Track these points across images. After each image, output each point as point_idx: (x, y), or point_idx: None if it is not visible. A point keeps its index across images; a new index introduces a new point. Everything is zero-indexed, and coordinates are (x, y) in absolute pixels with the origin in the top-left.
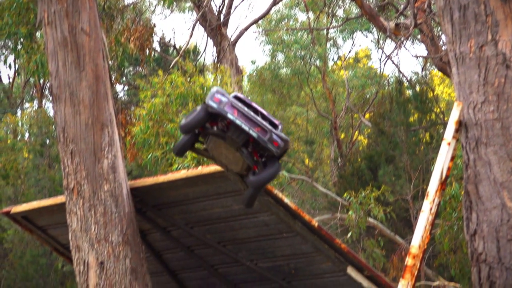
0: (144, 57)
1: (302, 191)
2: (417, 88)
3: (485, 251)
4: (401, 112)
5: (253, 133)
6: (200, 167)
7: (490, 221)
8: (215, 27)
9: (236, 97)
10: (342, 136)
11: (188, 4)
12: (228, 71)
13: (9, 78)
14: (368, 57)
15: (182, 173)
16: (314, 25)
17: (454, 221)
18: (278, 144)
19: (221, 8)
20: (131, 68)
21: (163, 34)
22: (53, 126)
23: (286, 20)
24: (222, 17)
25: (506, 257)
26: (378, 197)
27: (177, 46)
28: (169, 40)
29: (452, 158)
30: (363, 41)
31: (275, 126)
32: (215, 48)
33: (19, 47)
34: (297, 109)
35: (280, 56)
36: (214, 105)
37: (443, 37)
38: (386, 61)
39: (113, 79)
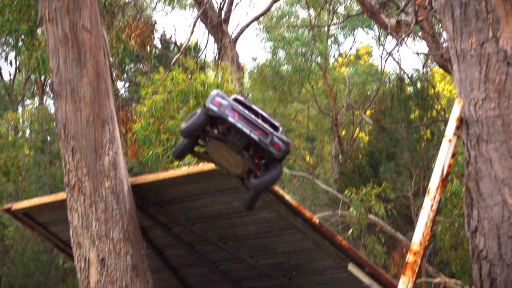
0: (145, 54)
1: (303, 188)
2: (418, 85)
3: (486, 248)
4: (402, 109)
5: (254, 136)
6: (201, 164)
7: (491, 218)
8: (216, 24)
9: (236, 100)
10: (343, 133)
11: (189, 1)
12: (229, 68)
13: (10, 75)
14: (369, 54)
15: (183, 170)
16: (315, 22)
17: (455, 218)
18: (279, 147)
19: (222, 5)
20: (132, 65)
21: (164, 31)
22: (54, 123)
23: (287, 17)
24: (223, 14)
25: (507, 254)
26: (379, 194)
27: (178, 43)
28: (170, 37)
29: (453, 155)
30: (364, 38)
31: (275, 128)
32: (216, 45)
33: (20, 44)
34: (298, 106)
35: (281, 53)
36: (215, 108)
37: (444, 34)
38: (387, 58)
39: (114, 76)
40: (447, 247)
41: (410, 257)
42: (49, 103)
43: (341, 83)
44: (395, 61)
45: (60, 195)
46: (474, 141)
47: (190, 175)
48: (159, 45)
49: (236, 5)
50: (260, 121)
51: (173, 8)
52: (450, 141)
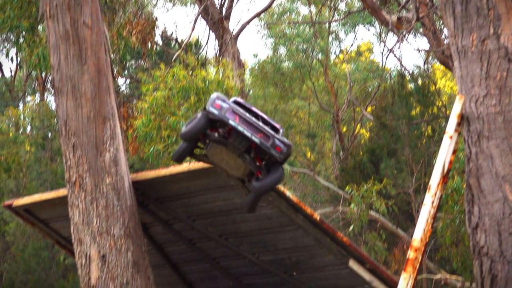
0: (146, 51)
1: (304, 185)
2: (419, 82)
3: (487, 244)
4: (403, 105)
5: (256, 139)
6: None
7: (492, 214)
8: (217, 20)
9: (236, 102)
10: (344, 129)
11: None
12: (230, 65)
13: (11, 72)
14: (370, 50)
15: (184, 167)
16: (316, 18)
17: (456, 214)
18: (281, 150)
19: (223, 1)
20: (133, 62)
21: (165, 28)
22: (55, 120)
23: (288, 14)
24: (224, 11)
25: (508, 251)
26: (380, 191)
27: (179, 40)
28: (171, 34)
29: (454, 152)
30: (365, 35)
31: (276, 130)
32: (217, 41)
33: (21, 40)
34: (299, 103)
35: (282, 50)
36: (215, 111)
37: (445, 30)
38: (388, 54)
39: (115, 72)
40: (448, 244)
41: (411, 254)
42: (50, 99)
43: (342, 79)
44: (396, 57)
45: (61, 192)
46: (475, 137)
47: (191, 171)
48: (160, 42)
49: (237, 2)
50: (261, 123)
51: (174, 5)
52: (451, 137)
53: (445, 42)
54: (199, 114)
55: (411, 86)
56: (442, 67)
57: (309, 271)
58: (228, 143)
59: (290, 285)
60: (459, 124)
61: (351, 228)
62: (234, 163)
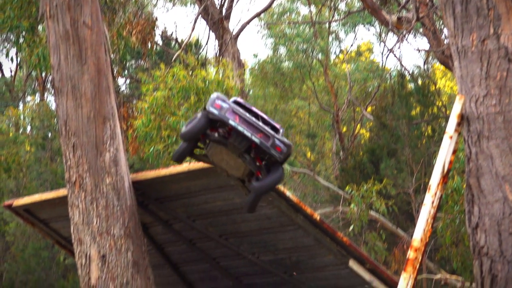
0: (146, 51)
1: (304, 185)
2: (419, 82)
3: (487, 244)
4: (403, 105)
5: (256, 139)
6: None
7: (492, 214)
8: (217, 20)
9: (236, 102)
10: (344, 129)
11: None
12: (230, 65)
13: (11, 72)
14: (370, 50)
15: (184, 167)
16: (316, 18)
17: (456, 214)
18: (281, 150)
19: (223, 1)
20: (133, 62)
21: (165, 28)
22: (55, 120)
23: (288, 14)
24: (224, 11)
25: (508, 251)
26: (380, 191)
27: (179, 40)
28: (171, 34)
29: (454, 152)
30: (365, 35)
31: (276, 130)
32: (217, 41)
33: (21, 40)
34: (299, 103)
35: (282, 50)
36: (215, 111)
37: (445, 30)
38: (388, 54)
39: (115, 72)
40: (448, 244)
41: (411, 254)
42: (50, 99)
43: (342, 79)
44: (396, 57)
45: (61, 192)
46: (475, 137)
47: (191, 171)
48: (160, 42)
49: (237, 2)
50: (261, 123)
51: (174, 5)
52: (451, 137)
53: (445, 42)
54: (199, 114)
55: (411, 86)
56: (442, 67)
57: (309, 271)
58: (228, 143)
59: (290, 285)
60: (459, 124)
61: (351, 228)
62: (234, 163)
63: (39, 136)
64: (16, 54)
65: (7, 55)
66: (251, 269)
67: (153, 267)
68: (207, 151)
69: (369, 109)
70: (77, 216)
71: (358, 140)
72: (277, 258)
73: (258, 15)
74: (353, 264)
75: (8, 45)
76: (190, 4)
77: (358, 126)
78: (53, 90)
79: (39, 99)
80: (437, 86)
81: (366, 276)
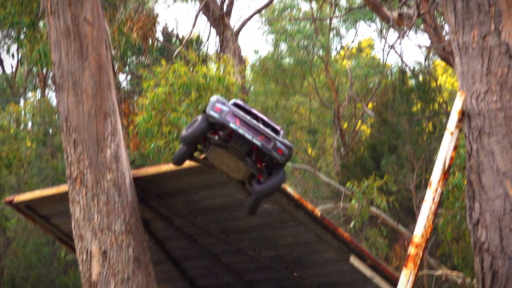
0: (147, 47)
1: (305, 181)
2: (420, 78)
3: (488, 240)
4: (404, 101)
5: (257, 142)
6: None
7: (493, 210)
8: (218, 16)
9: (236, 105)
10: (345, 125)
11: None
12: (231, 61)
13: (12, 68)
14: (371, 47)
15: (185, 163)
16: (317, 14)
17: (457, 210)
18: (282, 152)
19: None
20: (134, 58)
21: (166, 24)
22: (56, 116)
23: (289, 10)
24: (225, 7)
25: (508, 247)
26: (381, 187)
27: (180, 36)
28: (172, 30)
29: (455, 148)
30: (366, 31)
31: (276, 132)
32: (218, 37)
33: (22, 36)
34: (300, 99)
35: (283, 46)
36: (216, 115)
37: (446, 27)
38: (389, 51)
39: (116, 68)
40: (449, 240)
41: (412, 250)
42: (51, 95)
43: (343, 76)
44: (397, 54)
45: (62, 188)
46: (476, 134)
47: (192, 167)
48: (161, 38)
49: None
50: (261, 126)
51: (175, 1)
52: (452, 134)
53: (446, 38)
54: (199, 117)
55: (412, 82)
56: (443, 64)
57: (310, 267)
58: (229, 146)
59: (291, 281)
60: (460, 120)
61: (352, 224)
62: (235, 165)
63: (40, 132)
64: (17, 50)
65: (8, 51)
66: (252, 265)
67: (154, 263)
68: (207, 154)
69: (370, 105)
70: (78, 212)
71: (359, 136)
72: (278, 254)
73: (259, 11)
74: (354, 260)
75: (9, 41)
76: (191, 0)
77: (359, 122)
78: (54, 86)
79: (40, 95)
80: (438, 83)
81: (367, 272)
